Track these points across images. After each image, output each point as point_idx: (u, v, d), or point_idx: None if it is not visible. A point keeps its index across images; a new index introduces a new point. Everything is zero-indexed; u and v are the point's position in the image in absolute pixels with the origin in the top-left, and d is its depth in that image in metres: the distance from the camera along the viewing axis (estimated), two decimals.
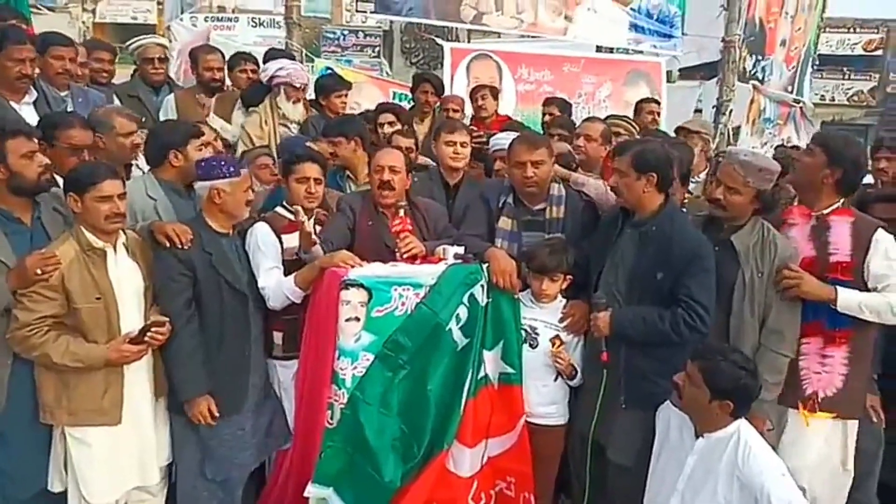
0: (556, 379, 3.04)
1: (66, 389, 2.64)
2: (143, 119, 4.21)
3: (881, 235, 2.84)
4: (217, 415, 2.84)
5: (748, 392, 2.50)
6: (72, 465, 2.70)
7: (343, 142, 3.76)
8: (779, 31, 7.33)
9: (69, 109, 3.61)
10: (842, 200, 2.92)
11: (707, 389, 2.47)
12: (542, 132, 4.67)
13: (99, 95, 4.01)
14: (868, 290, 2.82)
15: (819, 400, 2.88)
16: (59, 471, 2.73)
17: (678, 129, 4.78)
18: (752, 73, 6.99)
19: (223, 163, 2.92)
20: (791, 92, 7.53)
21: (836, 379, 2.86)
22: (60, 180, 2.89)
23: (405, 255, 2.96)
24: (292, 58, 5.20)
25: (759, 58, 7.08)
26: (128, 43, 5.01)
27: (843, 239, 2.84)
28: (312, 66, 6.72)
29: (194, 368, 2.81)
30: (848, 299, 2.79)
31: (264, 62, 4.88)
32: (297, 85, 4.62)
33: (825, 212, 2.91)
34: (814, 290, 2.80)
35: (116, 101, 4.23)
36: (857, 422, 2.94)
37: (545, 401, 3.05)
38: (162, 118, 4.47)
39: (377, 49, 14.92)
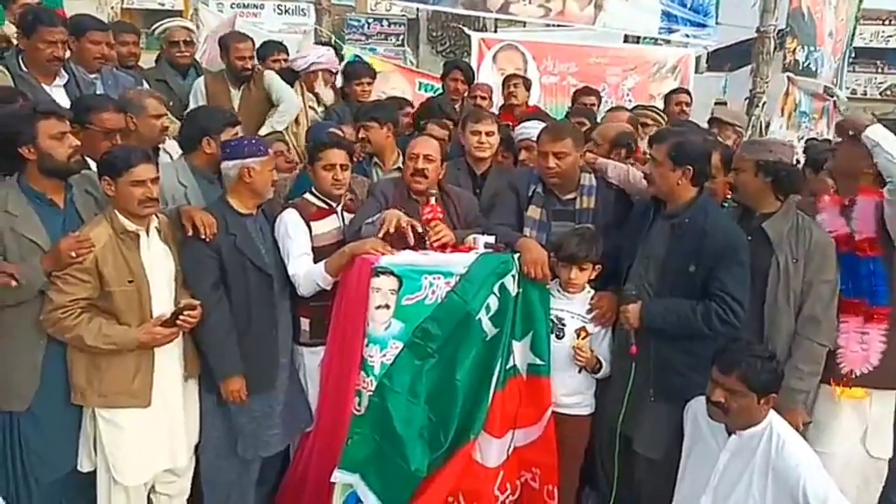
0: (580, 370, 3.01)
1: (98, 371, 2.66)
2: (171, 103, 4.23)
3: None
4: (247, 395, 2.87)
5: (781, 376, 2.55)
6: (101, 446, 2.72)
7: (376, 127, 3.74)
8: (826, 22, 7.14)
9: (99, 92, 3.62)
10: None
11: (753, 394, 2.43)
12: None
13: (128, 78, 4.02)
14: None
15: (854, 377, 2.84)
16: (88, 451, 2.76)
17: (711, 120, 4.69)
18: (806, 65, 6.77)
19: (253, 142, 2.97)
20: (836, 85, 7.31)
21: (874, 356, 2.82)
22: (93, 163, 2.92)
23: (435, 244, 2.94)
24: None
25: (812, 49, 6.88)
26: (153, 27, 5.02)
27: (868, 215, 2.83)
28: (342, 54, 6.72)
29: (228, 349, 2.84)
30: (878, 129, 2.77)
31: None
32: (334, 70, 4.79)
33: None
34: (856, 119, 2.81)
35: (145, 85, 4.24)
36: (892, 404, 2.90)
37: (570, 391, 3.02)
38: (191, 103, 4.48)
39: (401, 37, 14.86)
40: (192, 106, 4.47)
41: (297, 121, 4.65)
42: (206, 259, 2.81)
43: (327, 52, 4.85)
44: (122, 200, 2.64)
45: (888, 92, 18.58)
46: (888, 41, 18.26)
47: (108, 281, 2.61)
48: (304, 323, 3.08)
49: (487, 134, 3.58)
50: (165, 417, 2.79)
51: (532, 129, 3.56)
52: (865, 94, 18.09)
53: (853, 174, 2.89)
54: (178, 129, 3.44)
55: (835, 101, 8.31)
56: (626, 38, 8.19)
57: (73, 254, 2.54)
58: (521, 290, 2.90)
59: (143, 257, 2.70)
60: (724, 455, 2.57)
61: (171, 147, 3.57)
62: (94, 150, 2.89)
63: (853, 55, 9.57)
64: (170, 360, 2.79)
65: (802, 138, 6.76)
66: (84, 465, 2.77)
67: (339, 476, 2.77)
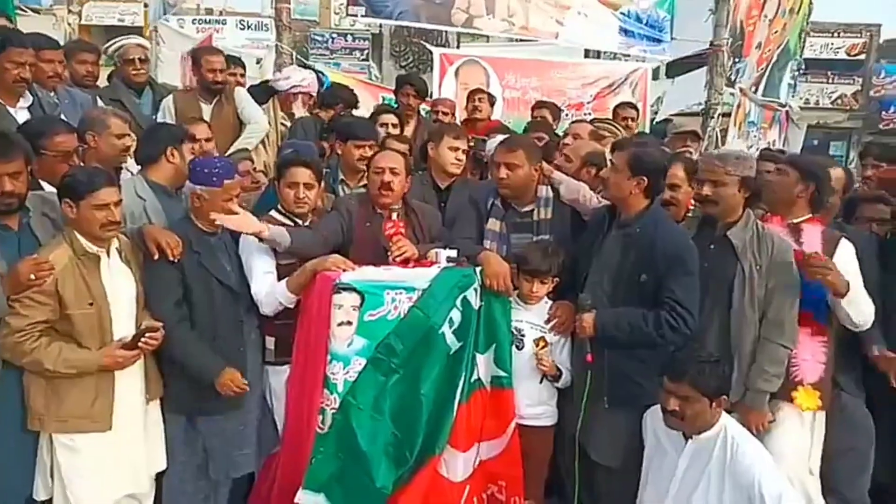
0: (541, 381, 3.04)
1: (56, 396, 2.60)
2: (128, 123, 4.19)
3: (845, 243, 2.96)
4: (245, 385, 2.84)
5: (729, 377, 2.69)
6: (59, 473, 2.65)
7: (375, 145, 3.74)
8: (756, 34, 7.39)
9: (59, 112, 3.58)
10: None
11: (705, 398, 2.52)
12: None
13: (84, 97, 3.97)
14: None
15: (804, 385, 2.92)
16: (44, 478, 2.68)
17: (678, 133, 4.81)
18: (729, 75, 7.08)
19: (206, 169, 2.90)
20: (755, 92, 7.58)
21: (819, 368, 2.92)
22: (46, 185, 2.87)
23: (397, 259, 2.95)
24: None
25: (737, 59, 7.17)
26: (107, 45, 4.97)
27: (815, 241, 2.94)
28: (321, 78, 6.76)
29: (203, 352, 2.82)
30: (855, 294, 2.85)
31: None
32: (314, 94, 4.94)
33: (796, 221, 3.03)
34: (837, 281, 2.81)
35: (101, 104, 4.18)
36: (823, 420, 2.99)
37: (532, 402, 3.05)
38: (160, 120, 4.44)
39: (365, 52, 14.92)
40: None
41: (267, 138, 4.67)
42: (168, 277, 2.78)
43: (310, 77, 4.99)
44: (84, 224, 2.60)
45: (839, 101, 19.21)
46: (837, 52, 18.90)
47: (68, 303, 2.56)
48: (270, 342, 3.06)
49: (463, 151, 3.62)
50: (126, 441, 2.73)
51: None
52: (818, 104, 18.66)
53: (789, 200, 3.04)
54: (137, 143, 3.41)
55: (787, 112, 8.55)
56: (587, 53, 8.34)
57: (33, 276, 2.49)
58: (483, 303, 2.93)
59: (104, 279, 2.66)
60: (682, 461, 2.63)
61: (133, 167, 3.54)
62: (51, 174, 2.85)
63: (804, 66, 9.87)
64: (130, 383, 2.75)
65: (751, 146, 6.97)
66: (40, 494, 2.70)
67: (303, 496, 2.75)
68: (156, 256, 2.75)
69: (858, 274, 2.92)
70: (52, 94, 3.66)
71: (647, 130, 5.63)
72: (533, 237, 3.17)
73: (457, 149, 3.58)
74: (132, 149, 3.43)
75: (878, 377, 3.04)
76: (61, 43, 4.30)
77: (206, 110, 4.57)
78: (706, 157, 3.12)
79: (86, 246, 2.62)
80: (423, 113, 5.51)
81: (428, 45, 7.66)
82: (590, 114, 6.45)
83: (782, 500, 2.37)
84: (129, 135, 3.35)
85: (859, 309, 2.87)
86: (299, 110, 4.84)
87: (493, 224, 3.22)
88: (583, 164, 3.58)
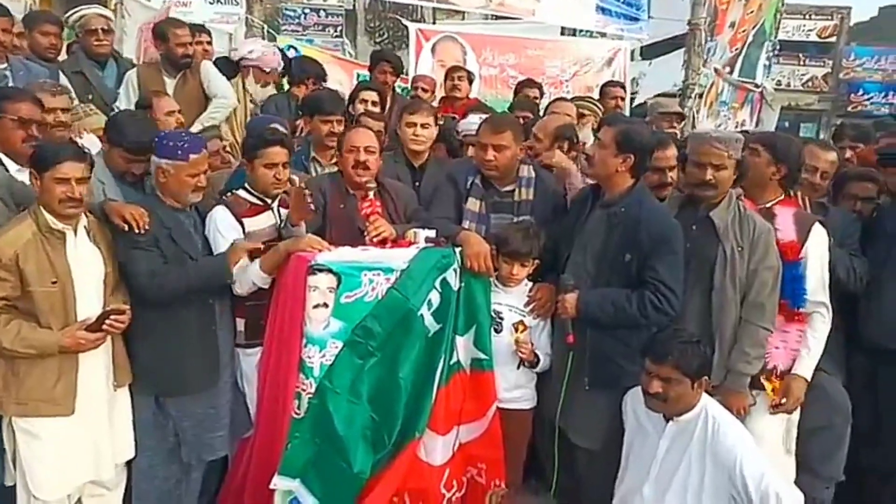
0: (519, 366, 3.01)
1: (16, 377, 2.51)
2: (90, 96, 4.02)
3: (818, 228, 2.97)
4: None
5: (710, 358, 2.68)
6: (19, 458, 2.57)
7: (343, 121, 3.64)
8: (729, 13, 7.42)
9: (10, 84, 3.40)
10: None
11: (687, 379, 2.51)
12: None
13: (42, 70, 3.80)
14: None
15: (778, 373, 2.94)
16: (8, 464, 2.60)
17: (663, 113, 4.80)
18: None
19: (171, 142, 2.79)
20: (731, 73, 7.62)
21: (791, 356, 2.94)
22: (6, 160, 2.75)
23: (374, 239, 2.88)
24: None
25: (709, 38, 7.21)
26: (68, 14, 4.76)
27: (788, 225, 2.94)
28: (275, 44, 6.58)
29: (202, 263, 2.80)
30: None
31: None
32: (267, 69, 4.75)
33: (769, 204, 3.02)
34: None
35: (63, 79, 4.00)
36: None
37: (511, 385, 3.02)
38: (122, 95, 4.31)
39: (339, 28, 14.64)
40: (122, 98, 4.30)
41: (234, 116, 4.57)
42: (144, 246, 2.70)
43: (261, 49, 4.80)
44: (47, 196, 2.51)
45: (809, 83, 19.46)
46: (809, 35, 19.11)
47: (30, 280, 2.47)
48: (240, 323, 2.98)
49: (423, 126, 3.52)
50: (90, 427, 2.64)
51: (475, 124, 3.51)
52: (789, 86, 18.89)
53: (763, 183, 3.02)
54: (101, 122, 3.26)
55: (762, 92, 8.60)
56: (563, 31, 8.27)
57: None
58: (463, 284, 2.87)
59: (70, 257, 2.56)
60: (663, 443, 2.63)
61: (89, 141, 3.39)
62: (6, 141, 2.74)
63: (778, 48, 9.95)
64: (95, 367, 2.65)
65: (721, 125, 7.02)
66: (6, 479, 2.62)
67: (278, 482, 2.69)
68: (125, 228, 2.65)
69: (826, 264, 2.97)
70: (3, 65, 3.49)
71: (628, 113, 5.58)
72: (513, 218, 3.12)
73: (414, 124, 3.50)
74: (91, 121, 3.29)
75: (859, 359, 3.11)
76: (21, 12, 4.10)
77: (170, 84, 4.43)
78: (703, 139, 2.94)
79: (50, 222, 2.53)
80: (398, 90, 5.41)
81: (404, 21, 7.51)
82: (569, 91, 6.40)
83: (764, 480, 2.38)
84: (62, 109, 3.19)
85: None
86: (252, 85, 4.74)
87: (473, 204, 3.15)
88: (554, 140, 3.50)
